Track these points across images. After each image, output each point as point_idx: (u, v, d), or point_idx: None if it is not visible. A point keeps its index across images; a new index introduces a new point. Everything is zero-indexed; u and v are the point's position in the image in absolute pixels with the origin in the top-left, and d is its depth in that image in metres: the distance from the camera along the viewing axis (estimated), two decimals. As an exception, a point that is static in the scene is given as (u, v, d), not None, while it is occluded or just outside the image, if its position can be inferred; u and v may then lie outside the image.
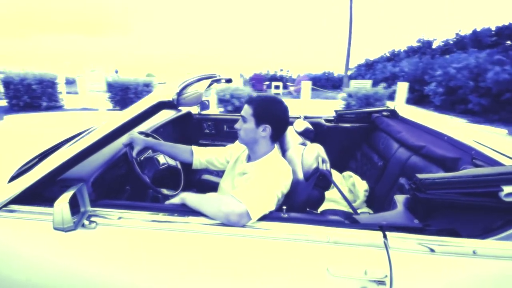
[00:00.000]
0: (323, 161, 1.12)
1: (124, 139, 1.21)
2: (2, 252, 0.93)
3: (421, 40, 17.81)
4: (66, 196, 0.80)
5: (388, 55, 20.75)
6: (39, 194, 0.98)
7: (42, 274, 0.92)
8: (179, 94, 1.04)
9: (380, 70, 16.64)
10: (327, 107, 8.88)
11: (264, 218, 0.93)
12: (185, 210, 0.96)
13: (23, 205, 0.95)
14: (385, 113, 2.12)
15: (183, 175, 1.60)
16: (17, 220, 0.93)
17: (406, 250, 0.85)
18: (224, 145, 2.38)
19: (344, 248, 0.87)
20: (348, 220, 0.94)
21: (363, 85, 9.64)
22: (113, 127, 0.95)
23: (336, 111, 2.24)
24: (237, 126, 1.19)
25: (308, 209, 1.09)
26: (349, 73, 18.09)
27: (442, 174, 0.97)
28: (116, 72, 12.77)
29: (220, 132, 2.40)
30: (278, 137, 1.19)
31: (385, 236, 0.87)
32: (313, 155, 1.20)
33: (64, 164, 0.94)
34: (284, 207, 0.97)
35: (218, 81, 1.72)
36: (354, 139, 2.18)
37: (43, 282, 0.93)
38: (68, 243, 0.90)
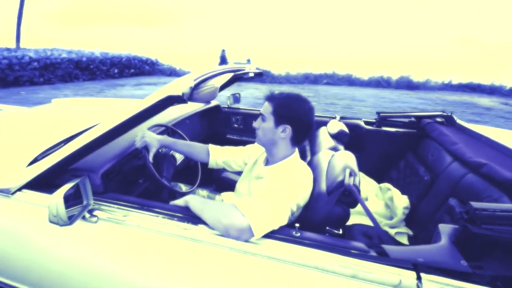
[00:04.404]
0: (351, 173, 0.95)
1: (138, 141, 1.18)
2: (8, 234, 0.95)
3: None
4: (63, 190, 0.77)
5: None
6: (52, 181, 0.99)
7: (39, 261, 0.94)
8: (194, 88, 0.96)
9: None
10: None
11: (271, 233, 0.80)
12: (187, 215, 0.88)
13: (35, 191, 0.96)
14: (438, 119, 1.80)
15: (203, 170, 1.54)
16: (27, 205, 0.94)
17: (446, 299, 0.67)
18: (252, 142, 2.29)
19: (364, 285, 0.71)
20: (374, 250, 0.77)
21: None
22: (121, 120, 0.90)
23: (378, 113, 1.98)
24: (255, 124, 1.07)
25: (328, 228, 0.93)
26: None
27: (505, 206, 0.75)
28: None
29: (248, 127, 2.30)
30: (299, 141, 1.05)
31: (419, 278, 0.69)
32: (341, 165, 1.03)
33: (74, 154, 0.92)
34: (297, 225, 0.83)
35: (245, 74, 1.61)
36: (398, 146, 1.91)
37: (39, 268, 0.95)
38: (67, 234, 0.89)
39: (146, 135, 1.18)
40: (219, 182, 1.66)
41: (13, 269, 1.00)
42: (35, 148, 1.20)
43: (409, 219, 1.53)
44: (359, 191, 0.92)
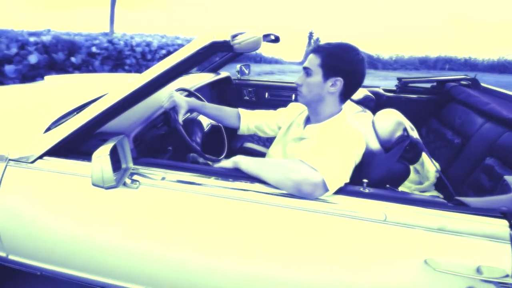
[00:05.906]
0: (411, 128, 0.89)
1: (166, 101, 1.05)
2: (33, 204, 0.84)
3: None
4: (107, 148, 0.66)
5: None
6: (76, 148, 0.87)
7: (71, 231, 0.84)
8: (234, 36, 0.84)
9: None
10: None
11: (339, 191, 0.73)
12: (239, 175, 0.79)
13: (58, 158, 0.84)
14: (463, 82, 1.76)
15: (222, 142, 1.45)
16: (51, 173, 0.83)
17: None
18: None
19: (451, 237, 0.66)
20: (453, 202, 0.72)
21: None
22: (157, 73, 0.79)
23: (399, 79, 1.92)
24: (298, 81, 0.97)
25: (388, 186, 0.87)
26: None
27: None
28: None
29: (260, 99, 2.20)
30: (348, 96, 0.97)
31: (511, 226, 0.64)
32: (392, 121, 0.97)
33: (102, 115, 0.80)
34: (365, 180, 0.76)
35: (268, 36, 1.50)
36: (419, 112, 1.86)
37: (71, 239, 0.85)
38: (104, 201, 0.79)
39: (174, 95, 1.07)
40: (241, 153, 1.57)
41: (40, 248, 0.89)
42: (44, 119, 1.06)
43: (437, 184, 1.51)
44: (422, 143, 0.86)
